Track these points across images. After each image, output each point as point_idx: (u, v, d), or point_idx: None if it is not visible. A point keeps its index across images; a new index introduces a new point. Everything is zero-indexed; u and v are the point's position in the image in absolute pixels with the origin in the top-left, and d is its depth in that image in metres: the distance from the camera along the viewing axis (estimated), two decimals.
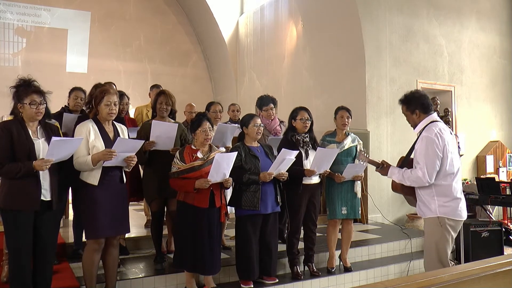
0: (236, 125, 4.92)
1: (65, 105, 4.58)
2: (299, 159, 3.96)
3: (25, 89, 2.97)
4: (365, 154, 3.60)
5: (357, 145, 4.39)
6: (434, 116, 3.26)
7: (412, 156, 3.29)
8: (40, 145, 2.98)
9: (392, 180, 3.37)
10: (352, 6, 6.82)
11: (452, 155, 3.17)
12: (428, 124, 3.20)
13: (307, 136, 4.13)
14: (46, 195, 2.98)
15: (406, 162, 3.32)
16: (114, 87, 4.33)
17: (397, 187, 3.37)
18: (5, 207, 2.93)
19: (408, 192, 3.33)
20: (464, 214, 3.24)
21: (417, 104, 3.25)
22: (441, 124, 3.22)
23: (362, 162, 3.78)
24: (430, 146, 3.10)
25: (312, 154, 4.09)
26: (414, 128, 3.33)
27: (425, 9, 7.34)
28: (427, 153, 3.10)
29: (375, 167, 3.47)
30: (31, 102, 2.94)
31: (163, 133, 3.86)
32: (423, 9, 7.32)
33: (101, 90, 3.29)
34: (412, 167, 3.23)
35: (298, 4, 8.48)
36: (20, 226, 2.92)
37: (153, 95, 5.25)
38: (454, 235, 3.23)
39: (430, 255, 3.25)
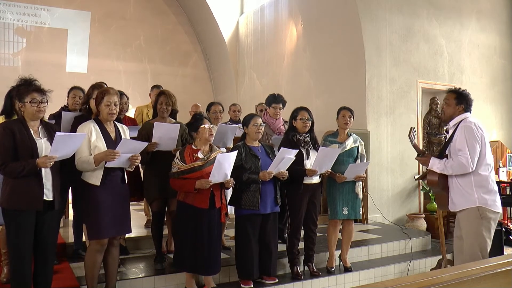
0: (237, 125, 4.92)
1: (64, 105, 4.59)
2: (300, 159, 3.97)
3: (25, 88, 2.98)
4: (415, 132, 3.68)
5: (358, 146, 4.39)
6: (469, 114, 3.50)
7: (446, 152, 3.43)
8: (43, 144, 2.97)
9: (429, 175, 3.50)
10: (352, 6, 6.82)
11: (488, 148, 3.37)
12: (464, 118, 3.43)
13: (307, 136, 4.14)
14: (48, 195, 2.99)
15: (441, 156, 3.45)
16: (105, 86, 4.32)
17: (434, 182, 3.45)
18: (8, 207, 2.93)
19: (444, 187, 3.43)
20: (499, 208, 3.32)
21: (465, 101, 3.50)
22: (476, 120, 3.44)
23: (411, 141, 3.74)
24: (470, 133, 3.30)
25: (313, 154, 4.09)
26: (445, 121, 3.59)
27: (425, 9, 7.34)
28: (468, 139, 3.29)
29: (416, 154, 3.64)
30: (32, 100, 2.94)
31: (165, 134, 3.85)
32: (423, 9, 7.31)
33: (101, 90, 3.30)
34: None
35: (298, 4, 8.48)
36: (22, 226, 2.92)
37: (153, 96, 5.26)
38: (494, 229, 3.28)
39: (472, 249, 3.23)
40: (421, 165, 7.17)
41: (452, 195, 3.38)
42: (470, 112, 3.52)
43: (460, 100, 3.49)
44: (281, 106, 5.05)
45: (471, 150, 3.26)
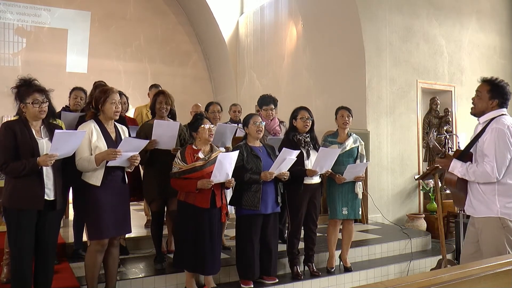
0: (235, 124, 4.92)
1: (66, 105, 4.60)
2: (300, 159, 3.96)
3: (26, 88, 2.98)
4: (435, 133, 3.37)
5: (358, 146, 4.39)
6: (505, 110, 3.03)
7: (471, 150, 3.06)
8: (44, 144, 2.98)
9: (447, 174, 3.12)
10: (352, 6, 6.82)
11: None
12: (498, 116, 2.98)
13: (308, 136, 4.13)
14: (49, 195, 2.99)
15: (464, 156, 3.06)
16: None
17: (452, 182, 3.09)
18: (9, 206, 2.93)
19: (462, 189, 3.08)
20: None
21: (501, 95, 3.01)
22: (510, 118, 2.99)
23: (429, 143, 3.48)
24: (501, 139, 2.87)
25: (313, 154, 4.09)
26: (475, 115, 3.14)
27: (425, 9, 7.34)
28: (498, 145, 2.87)
29: (436, 155, 3.25)
30: (33, 101, 2.95)
31: (165, 132, 3.86)
32: (423, 9, 7.31)
33: (103, 90, 3.30)
34: (471, 161, 3.03)
35: (298, 4, 8.48)
36: (23, 226, 2.92)
37: (151, 95, 5.26)
38: None
39: None
40: (421, 165, 7.18)
41: (472, 199, 3.03)
42: (506, 108, 3.02)
43: (495, 93, 2.99)
44: (273, 106, 5.00)
45: (499, 158, 2.85)
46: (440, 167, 3.23)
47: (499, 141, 2.88)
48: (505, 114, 3.01)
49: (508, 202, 2.92)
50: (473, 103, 3.16)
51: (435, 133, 3.34)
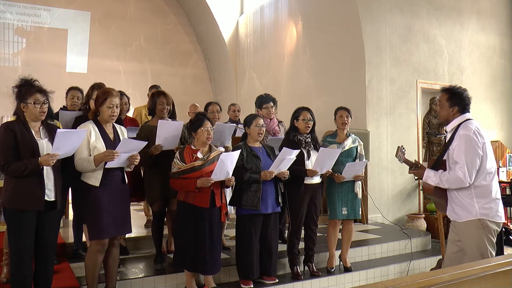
0: (234, 124, 4.92)
1: (64, 106, 4.60)
2: (300, 159, 3.97)
3: (28, 88, 2.99)
4: (403, 150, 3.41)
5: (357, 146, 4.40)
6: (468, 115, 3.15)
7: (444, 158, 3.16)
8: (44, 145, 2.98)
9: (424, 183, 3.24)
10: (352, 6, 6.82)
11: (490, 154, 3.07)
12: (463, 122, 3.10)
13: (309, 137, 4.14)
14: (50, 195, 2.99)
15: (438, 163, 3.18)
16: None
17: (430, 190, 3.21)
18: (10, 207, 2.94)
19: (440, 196, 3.18)
20: (502, 217, 3.05)
21: (459, 101, 3.14)
22: (476, 122, 3.12)
23: (399, 160, 3.55)
24: (469, 144, 2.98)
25: (313, 154, 4.09)
26: (442, 123, 3.31)
27: (425, 9, 7.34)
28: (466, 151, 2.97)
29: (408, 168, 3.34)
30: (35, 101, 2.95)
31: (169, 132, 3.86)
32: (423, 9, 7.32)
33: (103, 91, 3.30)
34: (445, 169, 3.12)
35: (298, 4, 8.48)
36: (23, 226, 2.93)
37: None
38: (495, 238, 3.06)
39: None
40: None
41: (453, 205, 3.12)
42: (469, 112, 3.17)
43: (453, 101, 3.13)
44: (272, 104, 5.01)
45: (469, 163, 2.95)
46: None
47: (466, 147, 2.99)
48: (469, 119, 3.13)
49: (485, 203, 3.02)
50: (436, 112, 3.24)
51: (404, 150, 3.42)
